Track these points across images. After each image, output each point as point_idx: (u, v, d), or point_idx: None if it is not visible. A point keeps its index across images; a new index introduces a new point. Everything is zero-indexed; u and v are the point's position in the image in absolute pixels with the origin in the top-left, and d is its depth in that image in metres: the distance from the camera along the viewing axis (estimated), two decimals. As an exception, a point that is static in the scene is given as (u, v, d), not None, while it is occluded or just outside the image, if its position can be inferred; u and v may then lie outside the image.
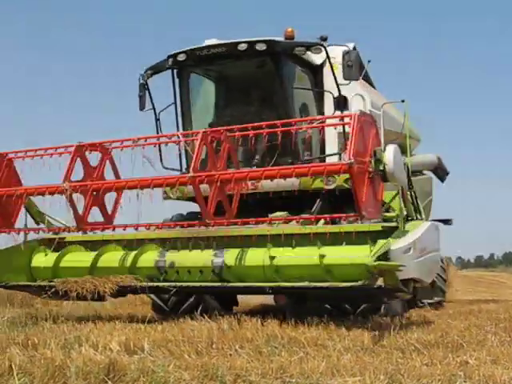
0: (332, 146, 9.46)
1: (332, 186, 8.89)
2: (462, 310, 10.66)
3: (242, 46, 9.03)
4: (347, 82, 8.97)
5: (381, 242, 6.63)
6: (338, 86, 9.10)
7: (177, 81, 9.85)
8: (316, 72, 9.74)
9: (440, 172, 13.97)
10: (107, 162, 8.34)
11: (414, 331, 6.68)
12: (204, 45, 9.51)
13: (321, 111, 9.67)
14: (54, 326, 6.88)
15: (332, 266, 6.95)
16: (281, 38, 9.18)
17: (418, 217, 8.32)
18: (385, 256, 6.36)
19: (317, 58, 9.59)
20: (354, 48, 10.54)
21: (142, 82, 9.96)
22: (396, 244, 6.55)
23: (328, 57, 9.07)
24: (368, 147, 6.97)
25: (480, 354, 5.23)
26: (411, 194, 8.29)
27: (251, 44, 9.00)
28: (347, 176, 7.85)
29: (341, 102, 9.22)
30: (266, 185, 8.33)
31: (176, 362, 4.91)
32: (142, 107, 10.03)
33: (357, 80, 9.03)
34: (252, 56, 9.23)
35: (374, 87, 11.80)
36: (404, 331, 6.63)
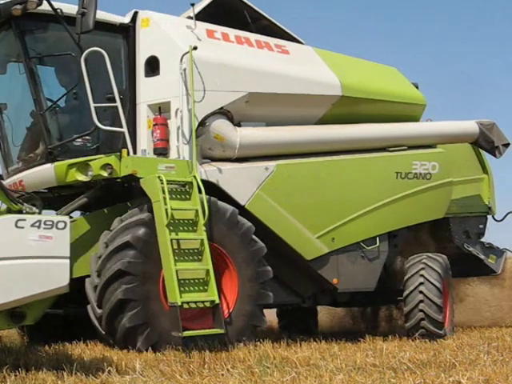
0: None
1: (89, 178, 7.38)
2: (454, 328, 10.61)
3: None
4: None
5: None
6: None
7: None
8: (126, 35, 7.75)
9: (485, 144, 10.50)
10: None
11: (407, 350, 6.67)
12: None
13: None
14: (45, 347, 6.84)
15: None
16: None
17: (28, 210, 5.56)
18: None
19: (123, 17, 7.78)
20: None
21: None
22: None
23: (53, 9, 7.15)
24: None
25: (472, 373, 5.20)
26: None
27: None
28: (103, 162, 7.24)
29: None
30: (29, 184, 7.49)
31: (168, 382, 4.89)
32: None
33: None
34: None
35: (296, 40, 9.33)
36: (396, 350, 6.61)
